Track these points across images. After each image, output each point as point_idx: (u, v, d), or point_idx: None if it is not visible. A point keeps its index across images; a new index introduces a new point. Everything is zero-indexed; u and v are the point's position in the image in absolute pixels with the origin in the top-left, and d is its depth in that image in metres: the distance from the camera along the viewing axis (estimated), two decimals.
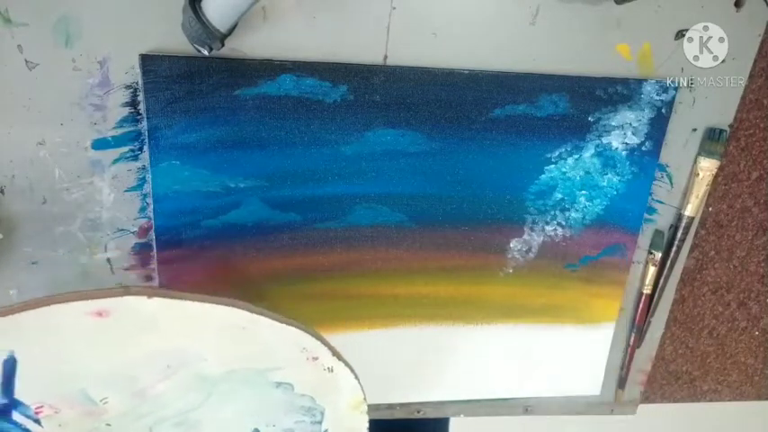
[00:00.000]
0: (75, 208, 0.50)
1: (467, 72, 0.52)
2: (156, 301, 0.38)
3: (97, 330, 0.38)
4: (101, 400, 0.42)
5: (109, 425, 0.43)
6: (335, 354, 0.45)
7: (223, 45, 0.44)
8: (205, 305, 0.39)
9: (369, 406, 0.66)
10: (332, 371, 0.45)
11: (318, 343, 0.44)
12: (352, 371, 0.46)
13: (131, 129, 0.49)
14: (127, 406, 0.43)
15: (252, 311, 0.41)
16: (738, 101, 0.58)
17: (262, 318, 0.41)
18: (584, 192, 0.59)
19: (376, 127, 0.53)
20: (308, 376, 0.46)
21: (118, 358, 0.41)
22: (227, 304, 0.40)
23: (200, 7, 0.42)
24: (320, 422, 0.48)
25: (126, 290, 0.37)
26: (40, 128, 0.47)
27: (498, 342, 0.65)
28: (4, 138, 0.47)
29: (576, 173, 0.58)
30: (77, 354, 0.40)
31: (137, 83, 0.47)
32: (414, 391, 0.66)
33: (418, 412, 0.68)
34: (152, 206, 0.51)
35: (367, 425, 0.50)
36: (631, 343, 0.68)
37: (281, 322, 0.42)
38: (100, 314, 0.38)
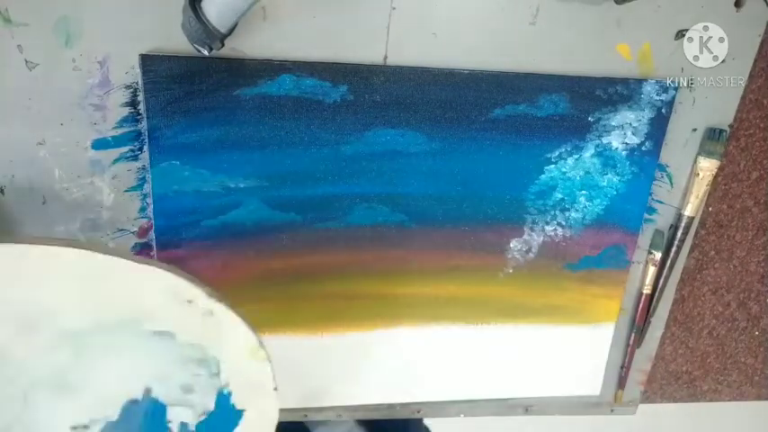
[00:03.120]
0: (75, 208, 0.50)
1: (467, 72, 0.52)
2: None
3: None
4: None
5: None
6: (212, 295, 0.41)
7: (223, 45, 0.44)
8: (47, 248, 0.36)
9: (369, 406, 0.66)
10: (212, 314, 0.42)
11: (189, 284, 0.41)
12: (238, 313, 0.43)
13: (131, 129, 0.49)
14: None
15: (102, 252, 0.38)
16: (738, 101, 0.58)
17: (118, 260, 0.38)
18: (584, 192, 0.59)
19: (376, 127, 0.53)
20: (187, 323, 0.42)
21: None
22: (73, 246, 0.37)
23: (201, 7, 0.42)
24: (218, 374, 0.45)
25: None
26: (40, 128, 0.47)
27: (498, 342, 0.65)
28: (4, 138, 0.47)
29: (576, 173, 0.58)
30: None
31: (137, 83, 0.47)
32: (414, 391, 0.66)
33: (418, 412, 0.68)
34: (152, 206, 0.51)
35: (272, 375, 0.47)
36: (631, 343, 0.68)
37: (139, 262, 0.39)
38: None
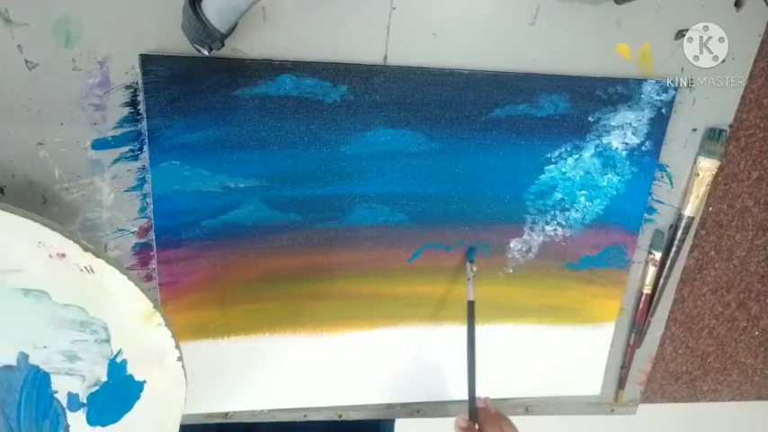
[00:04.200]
0: (75, 208, 0.50)
1: (467, 72, 0.52)
2: None
3: None
4: None
5: None
6: (89, 249, 0.37)
7: (223, 45, 0.44)
8: None
9: (369, 406, 0.66)
10: (92, 271, 0.38)
11: (59, 236, 0.36)
12: (124, 272, 0.39)
13: (131, 129, 0.49)
14: None
15: None
16: (738, 101, 0.58)
17: None
18: (584, 192, 0.59)
19: (376, 127, 0.53)
20: (63, 280, 0.38)
21: None
22: None
23: (200, 7, 0.42)
24: (107, 341, 0.41)
25: None
26: (40, 128, 0.47)
27: (498, 342, 0.65)
28: (4, 138, 0.47)
29: (576, 173, 0.58)
30: None
31: (137, 83, 0.47)
32: (414, 391, 0.66)
33: (418, 412, 0.68)
34: (152, 206, 0.51)
35: (173, 342, 0.42)
36: (631, 343, 0.68)
37: None
38: None
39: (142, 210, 0.52)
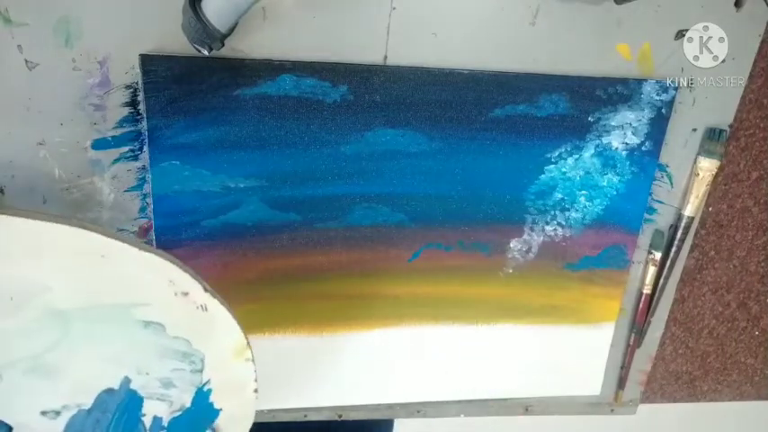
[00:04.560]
0: (75, 208, 0.50)
1: (467, 72, 0.52)
2: None
3: None
4: None
5: None
6: (208, 290, 0.41)
7: (223, 45, 0.44)
8: (48, 225, 0.36)
9: (368, 406, 0.66)
10: (206, 309, 0.41)
11: (187, 276, 0.40)
12: (230, 311, 0.43)
13: (131, 129, 0.49)
14: None
15: (105, 235, 0.37)
16: (738, 101, 0.59)
17: (118, 243, 0.37)
18: (584, 192, 0.59)
19: (376, 127, 0.53)
20: (179, 315, 0.41)
21: None
22: (75, 225, 0.36)
23: (200, 7, 0.42)
24: (201, 371, 0.44)
25: None
26: (40, 128, 0.47)
27: (498, 342, 0.65)
28: (4, 138, 0.47)
29: (576, 173, 0.58)
30: None
31: (137, 83, 0.47)
32: (414, 391, 0.66)
33: (418, 412, 0.68)
34: (152, 206, 0.51)
35: (254, 375, 0.46)
36: (631, 343, 0.68)
37: (142, 249, 0.38)
38: None
39: (142, 210, 0.52)
